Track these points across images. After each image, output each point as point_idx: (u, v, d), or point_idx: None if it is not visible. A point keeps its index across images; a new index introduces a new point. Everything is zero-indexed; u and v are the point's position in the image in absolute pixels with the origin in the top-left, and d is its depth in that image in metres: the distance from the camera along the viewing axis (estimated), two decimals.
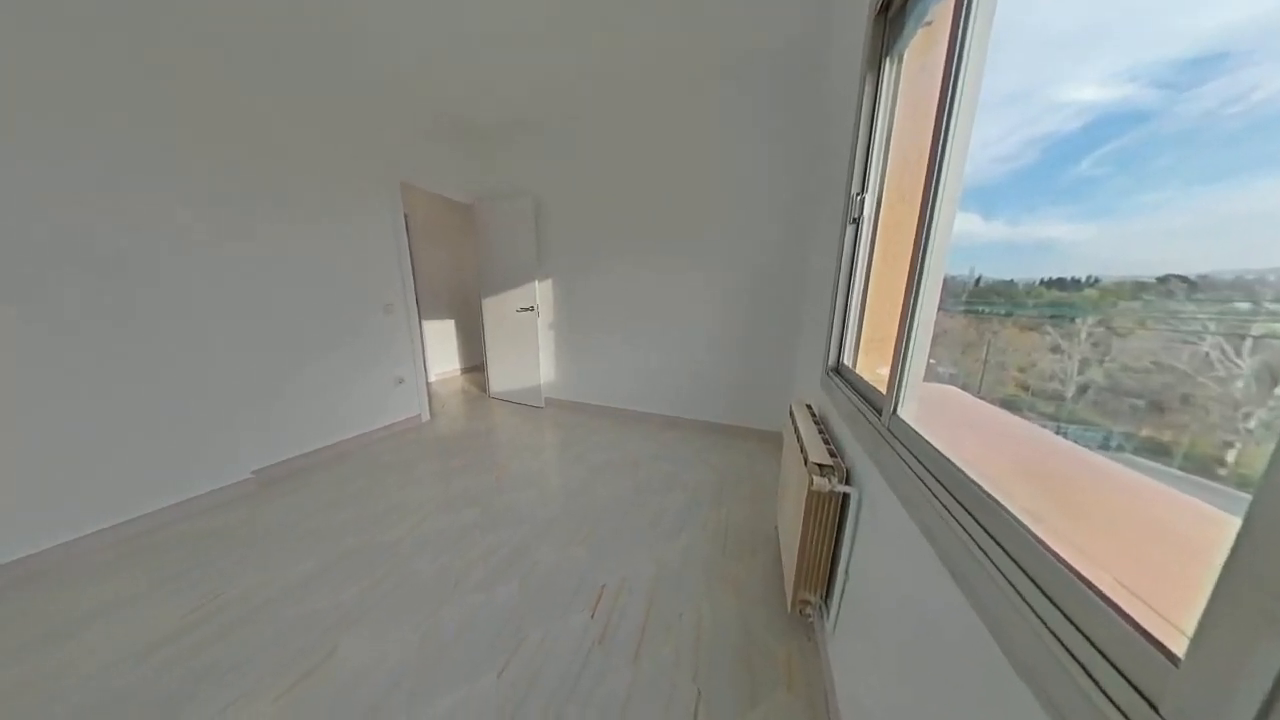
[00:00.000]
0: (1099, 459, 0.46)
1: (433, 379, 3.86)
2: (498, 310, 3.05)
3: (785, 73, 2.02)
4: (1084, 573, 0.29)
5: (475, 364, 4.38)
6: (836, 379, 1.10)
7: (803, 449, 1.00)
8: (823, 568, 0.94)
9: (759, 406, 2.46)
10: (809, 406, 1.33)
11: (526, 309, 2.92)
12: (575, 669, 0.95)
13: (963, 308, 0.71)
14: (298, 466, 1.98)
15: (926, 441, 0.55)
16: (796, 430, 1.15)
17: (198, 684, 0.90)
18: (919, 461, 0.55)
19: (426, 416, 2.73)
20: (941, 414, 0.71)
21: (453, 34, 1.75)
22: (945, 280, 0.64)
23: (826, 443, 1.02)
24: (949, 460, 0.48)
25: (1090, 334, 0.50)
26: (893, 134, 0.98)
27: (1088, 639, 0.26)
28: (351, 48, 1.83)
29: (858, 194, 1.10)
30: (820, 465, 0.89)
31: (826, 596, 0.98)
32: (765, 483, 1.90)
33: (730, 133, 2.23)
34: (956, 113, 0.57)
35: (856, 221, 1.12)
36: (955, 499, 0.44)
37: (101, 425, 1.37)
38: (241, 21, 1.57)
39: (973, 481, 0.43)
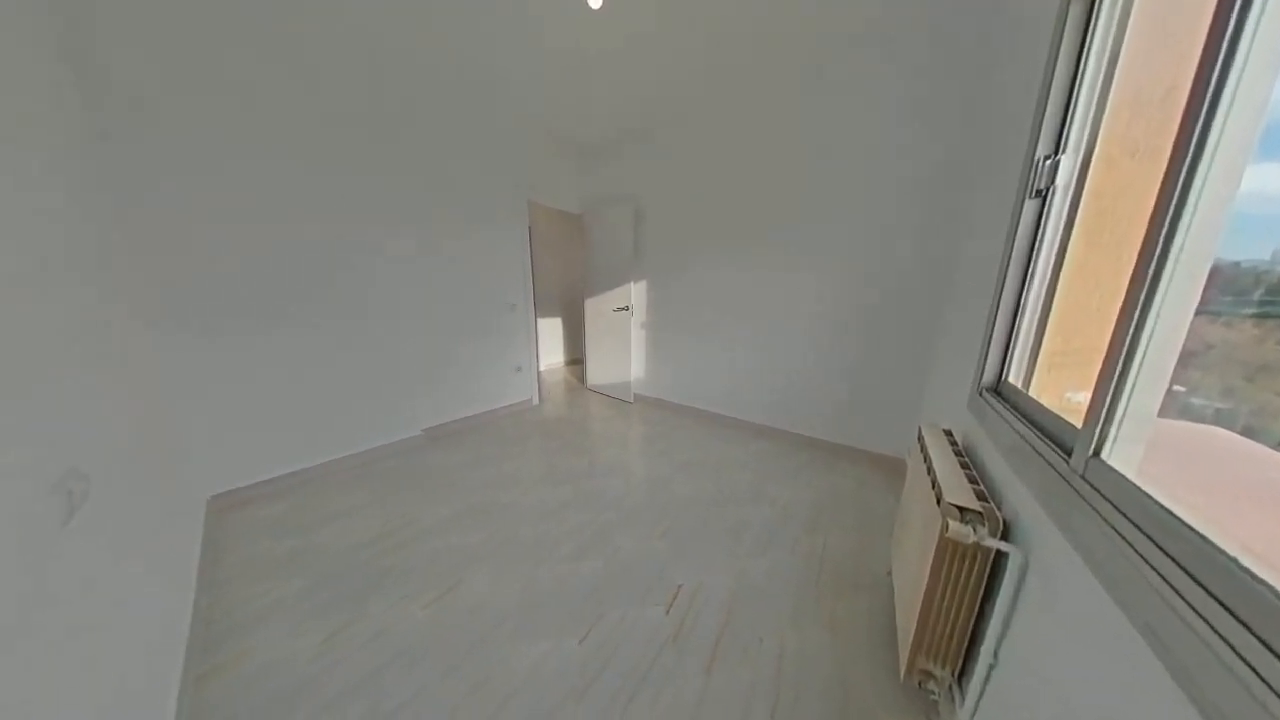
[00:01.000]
0: None
1: (542, 369, 4.45)
2: (597, 310, 3.32)
3: (934, 26, 1.65)
4: None
5: (576, 358, 4.88)
6: (995, 402, 0.86)
7: (935, 484, 0.81)
8: (957, 638, 0.74)
9: (874, 425, 2.09)
10: (947, 433, 1.07)
11: (622, 309, 3.10)
12: (648, 659, 0.97)
13: (1252, 310, 0.46)
14: (450, 430, 2.53)
15: (1160, 505, 0.38)
16: (927, 459, 0.94)
17: (381, 579, 1.24)
18: (1141, 532, 0.38)
19: (536, 401, 3.16)
20: (1196, 468, 0.48)
21: (569, 54, 1.96)
22: (1214, 268, 0.43)
23: (973, 482, 0.80)
24: (1211, 543, 0.32)
25: None
26: (1119, 65, 0.71)
27: None
28: (495, 92, 2.23)
29: (1047, 157, 0.83)
30: (961, 509, 0.70)
31: (960, 675, 0.77)
32: (878, 515, 1.60)
33: (852, 106, 1.94)
34: (1260, 6, 0.37)
35: (1043, 193, 0.84)
36: (1221, 603, 0.29)
37: (338, 389, 2.00)
38: (422, 86, 2.08)
39: (1265, 584, 0.28)
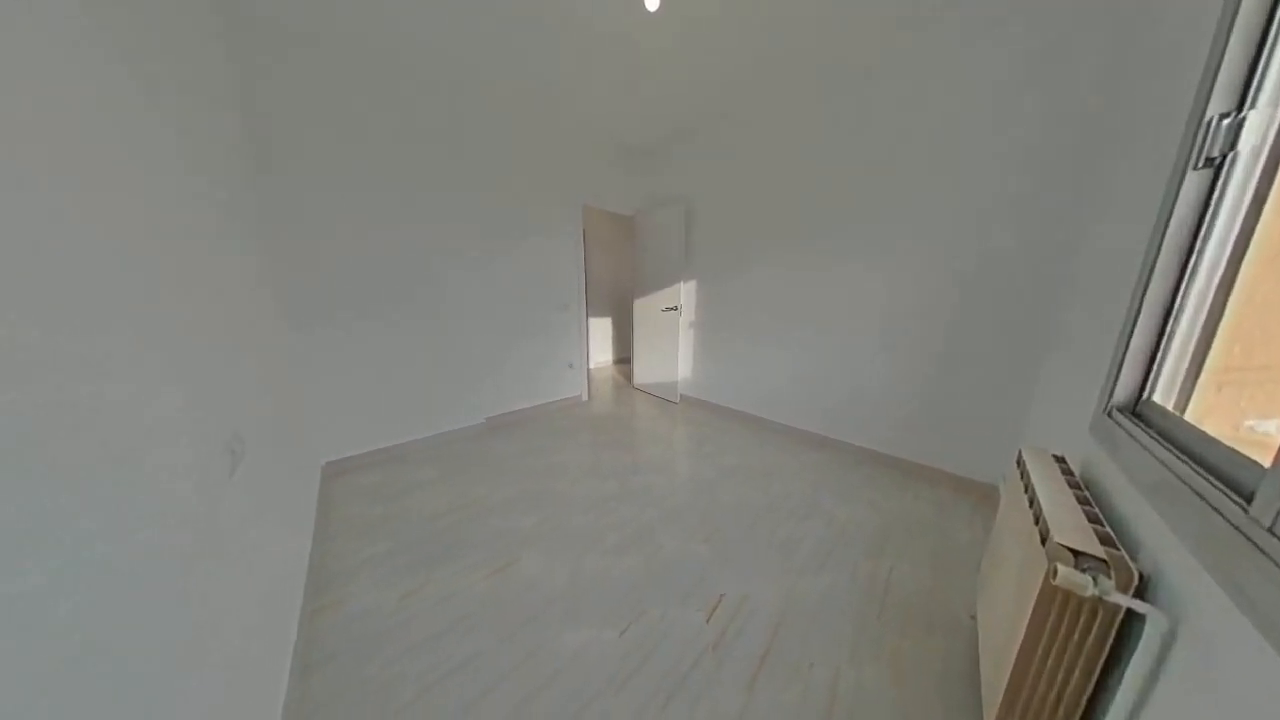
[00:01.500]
0: None
1: (591, 367, 4.61)
2: (646, 309, 3.35)
3: None
4: None
5: (624, 357, 4.98)
6: (1131, 425, 0.70)
7: (1040, 519, 0.68)
8: (1065, 708, 0.62)
9: (958, 444, 1.82)
10: (1059, 459, 0.89)
11: (671, 309, 3.09)
12: (686, 663, 0.96)
13: None
14: (508, 420, 2.75)
15: None
16: (1029, 489, 0.79)
17: (449, 549, 1.39)
18: None
19: (585, 397, 3.29)
20: None
21: (623, 56, 1.99)
22: None
23: (1095, 521, 0.66)
24: None
25: None
26: None
27: None
28: (553, 103, 2.35)
29: (1224, 115, 0.65)
30: (1075, 552, 0.58)
31: None
32: (958, 547, 1.39)
33: (943, 77, 1.70)
34: None
35: (1215, 162, 0.67)
36: None
37: (419, 378, 2.27)
38: (488, 103, 2.27)
39: None
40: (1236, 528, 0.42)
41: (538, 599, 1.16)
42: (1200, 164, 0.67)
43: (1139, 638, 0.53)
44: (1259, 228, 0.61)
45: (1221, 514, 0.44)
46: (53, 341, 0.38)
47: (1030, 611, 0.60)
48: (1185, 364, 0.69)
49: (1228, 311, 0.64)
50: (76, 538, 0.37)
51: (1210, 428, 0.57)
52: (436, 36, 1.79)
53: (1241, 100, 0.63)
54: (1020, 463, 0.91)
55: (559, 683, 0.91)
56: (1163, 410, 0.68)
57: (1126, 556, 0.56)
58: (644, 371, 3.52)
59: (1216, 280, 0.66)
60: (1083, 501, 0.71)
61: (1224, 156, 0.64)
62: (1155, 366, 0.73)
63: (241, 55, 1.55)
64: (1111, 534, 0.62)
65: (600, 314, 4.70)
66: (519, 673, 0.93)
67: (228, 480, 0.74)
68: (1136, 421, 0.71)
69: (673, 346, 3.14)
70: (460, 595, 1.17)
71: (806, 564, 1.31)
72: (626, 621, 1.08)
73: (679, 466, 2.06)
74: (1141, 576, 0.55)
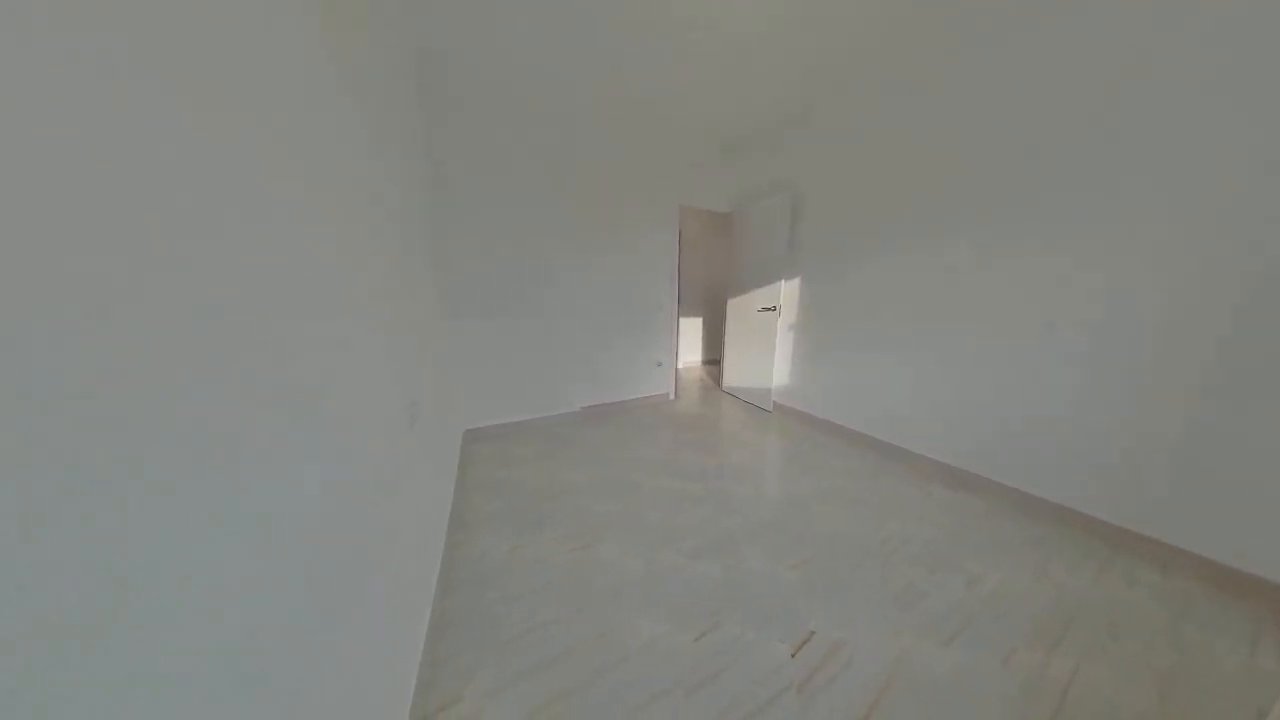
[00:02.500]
0: None
1: (680, 366, 4.62)
2: (740, 309, 3.19)
3: None
4: None
5: (713, 358, 4.84)
6: None
7: None
8: None
9: (1218, 514, 1.21)
10: None
11: (768, 309, 2.87)
12: (765, 694, 0.88)
13: None
14: (600, 411, 2.98)
15: None
16: None
17: (544, 519, 1.58)
18: None
19: (673, 396, 3.32)
20: None
21: (721, 44, 1.90)
22: None
23: None
24: None
25: None
26: None
27: None
28: (652, 106, 2.41)
29: None
30: None
31: None
32: (1220, 674, 0.93)
33: None
34: None
35: None
36: None
37: (530, 368, 2.64)
38: (596, 116, 2.46)
39: None
40: None
41: (614, 581, 1.22)
42: None
43: None
44: None
45: None
46: (310, 326, 0.57)
47: None
48: None
49: None
50: (329, 462, 0.56)
51: None
52: (550, 65, 2.02)
53: None
54: None
55: (629, 666, 0.95)
56: None
57: None
58: (734, 374, 3.36)
59: None
60: None
61: None
62: None
63: (427, 107, 2.06)
64: None
65: (691, 314, 4.67)
66: (592, 646, 1.00)
67: (408, 432, 0.99)
68: None
69: (768, 350, 2.91)
70: (548, 562, 1.31)
71: (931, 627, 1.05)
72: (701, 629, 1.05)
73: (767, 479, 1.90)
74: None
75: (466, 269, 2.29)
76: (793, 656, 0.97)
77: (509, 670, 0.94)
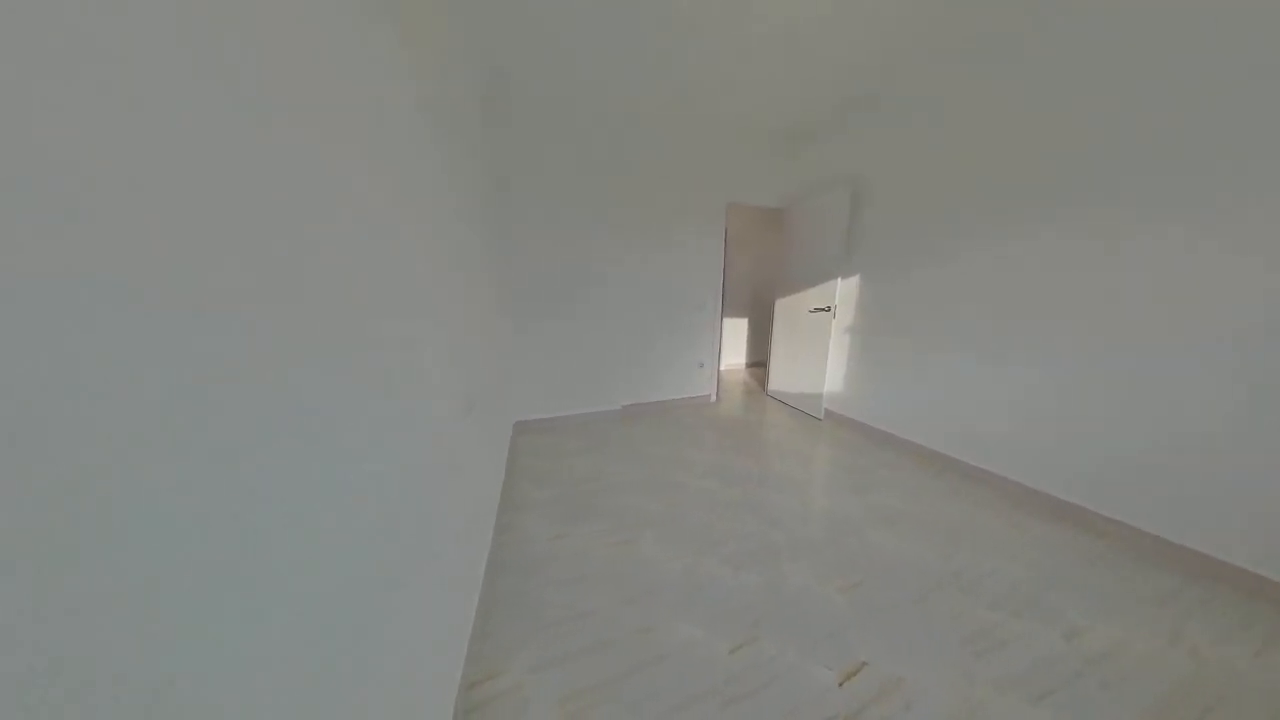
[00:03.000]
0: None
1: (722, 368, 4.50)
2: (790, 310, 3.02)
3: None
4: None
5: (759, 360, 4.65)
6: None
7: None
8: None
9: None
10: None
11: (821, 309, 2.68)
12: None
13: None
14: (640, 410, 3.01)
15: None
16: None
17: (587, 512, 1.64)
18: None
19: (714, 398, 3.25)
20: None
21: (777, 31, 1.80)
22: None
23: None
24: None
25: None
26: None
27: None
28: (702, 101, 2.37)
29: None
30: None
31: None
32: None
33: None
34: None
35: None
36: None
37: (574, 365, 2.74)
38: (644, 121, 2.46)
39: None
40: None
41: (653, 579, 1.23)
42: None
43: None
44: None
45: None
46: (392, 325, 0.65)
47: None
48: None
49: None
50: (404, 441, 0.63)
51: None
52: (599, 73, 2.07)
53: None
54: None
55: (666, 666, 0.94)
56: None
57: None
58: (781, 378, 3.19)
59: None
60: None
61: None
62: None
63: (489, 122, 2.23)
64: None
65: (735, 314, 4.52)
66: (630, 641, 1.02)
67: (467, 418, 1.09)
68: None
69: (820, 354, 2.72)
70: (589, 554, 1.36)
71: (1014, 680, 0.91)
72: (738, 640, 1.02)
73: (815, 492, 1.78)
74: None
75: (519, 272, 2.44)
76: (840, 686, 0.90)
77: (550, 652, 0.98)
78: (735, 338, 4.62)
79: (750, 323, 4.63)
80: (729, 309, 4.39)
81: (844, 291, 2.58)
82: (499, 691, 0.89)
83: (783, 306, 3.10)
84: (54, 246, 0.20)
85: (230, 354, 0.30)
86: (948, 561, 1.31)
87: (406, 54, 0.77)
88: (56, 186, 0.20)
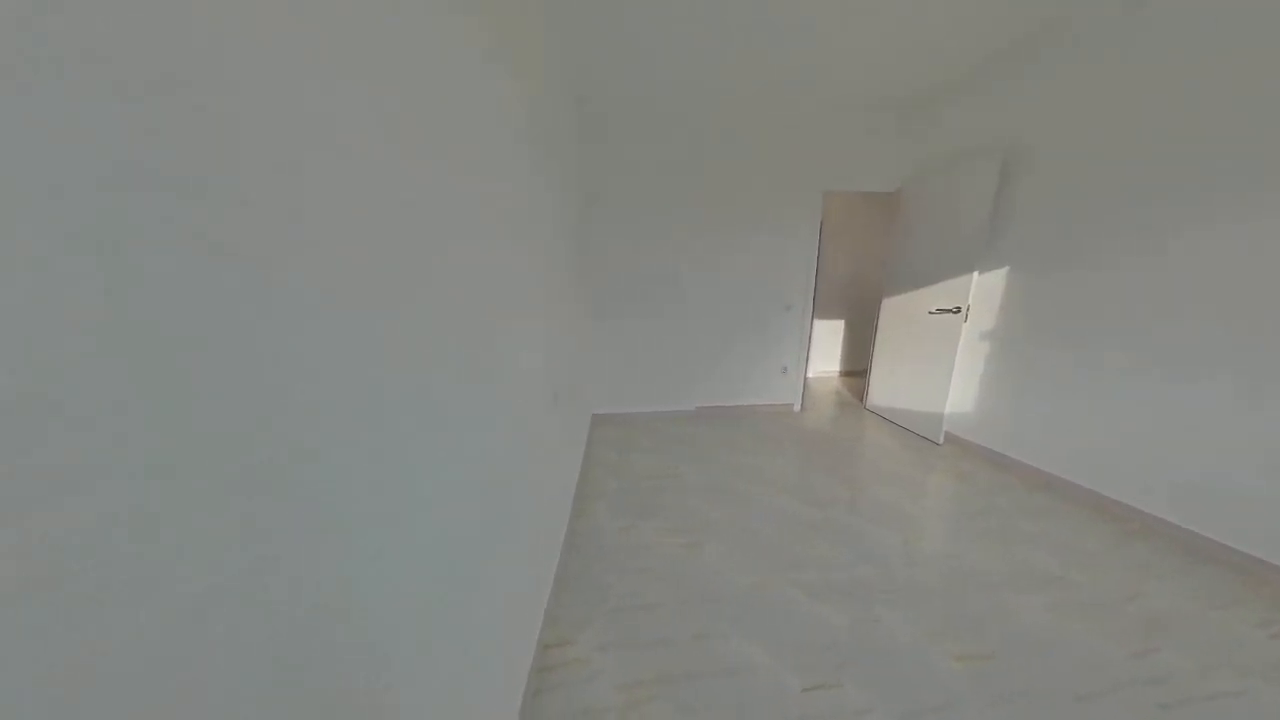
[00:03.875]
0: None
1: (810, 375, 4.06)
2: (902, 311, 2.56)
3: None
4: None
5: (857, 369, 4.06)
6: None
7: None
8: None
9: None
10: None
11: (947, 310, 2.21)
12: None
13: None
14: (714, 413, 2.92)
15: None
16: None
17: (654, 508, 1.66)
18: None
19: (798, 408, 2.96)
20: None
21: None
22: None
23: None
24: None
25: None
26: None
27: None
28: (798, 77, 2.14)
29: None
30: None
31: None
32: None
33: None
34: None
35: None
36: None
37: (649, 364, 2.79)
38: (732, 112, 2.35)
39: None
40: None
41: (716, 589, 1.19)
42: None
43: None
44: None
45: None
46: (501, 325, 0.75)
47: None
48: None
49: None
50: (507, 424, 0.73)
51: None
52: (681, 72, 2.04)
53: None
54: None
55: (726, 682, 0.90)
56: None
57: None
58: (884, 391, 2.73)
59: None
60: None
61: None
62: None
63: (581, 139, 2.41)
64: None
65: (830, 315, 4.03)
66: (689, 646, 1.00)
67: (552, 410, 1.21)
68: None
69: (944, 364, 2.24)
70: (653, 550, 1.37)
71: None
72: (815, 680, 0.91)
73: (928, 531, 1.48)
74: None
75: (599, 271, 2.59)
76: None
77: (613, 636, 1.03)
78: (828, 342, 4.11)
79: (847, 325, 4.07)
80: (821, 310, 3.93)
81: (981, 288, 2.08)
82: (569, 659, 0.97)
83: (891, 306, 2.64)
84: (307, 261, 0.29)
85: (395, 353, 0.40)
86: (1141, 661, 0.95)
87: (516, 86, 0.88)
88: (304, 234, 0.29)
